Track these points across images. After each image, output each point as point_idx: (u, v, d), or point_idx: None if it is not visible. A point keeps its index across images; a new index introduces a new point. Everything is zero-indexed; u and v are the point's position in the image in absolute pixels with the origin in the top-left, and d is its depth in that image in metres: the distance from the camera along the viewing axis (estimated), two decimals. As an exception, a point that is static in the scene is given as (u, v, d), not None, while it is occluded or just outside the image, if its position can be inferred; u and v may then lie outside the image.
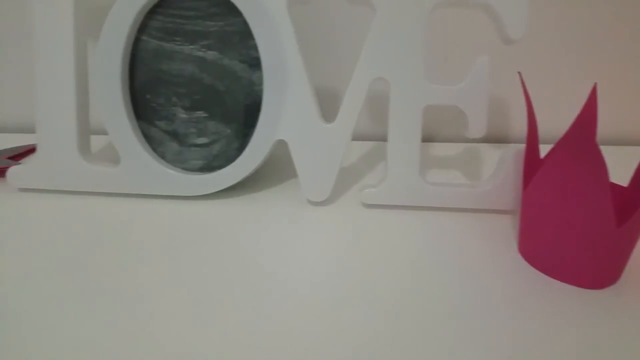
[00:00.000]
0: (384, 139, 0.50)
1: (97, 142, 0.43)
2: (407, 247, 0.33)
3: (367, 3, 0.36)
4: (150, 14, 0.38)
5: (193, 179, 0.40)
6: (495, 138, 0.55)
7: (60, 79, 0.38)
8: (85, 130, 0.40)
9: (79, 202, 0.39)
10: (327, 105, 0.38)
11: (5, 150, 0.48)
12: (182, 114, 0.40)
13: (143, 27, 0.39)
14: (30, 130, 0.56)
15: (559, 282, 0.30)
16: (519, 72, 0.33)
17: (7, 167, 0.42)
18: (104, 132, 0.39)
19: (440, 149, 0.52)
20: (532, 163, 0.32)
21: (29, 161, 0.43)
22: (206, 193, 0.40)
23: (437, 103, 0.36)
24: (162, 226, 0.36)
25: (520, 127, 0.56)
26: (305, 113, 0.38)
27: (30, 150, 0.48)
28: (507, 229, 0.36)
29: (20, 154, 0.47)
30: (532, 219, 0.31)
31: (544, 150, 0.32)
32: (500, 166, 0.37)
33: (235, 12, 0.37)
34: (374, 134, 0.54)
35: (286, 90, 0.37)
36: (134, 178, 0.39)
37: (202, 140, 0.40)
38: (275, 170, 0.45)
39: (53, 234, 0.35)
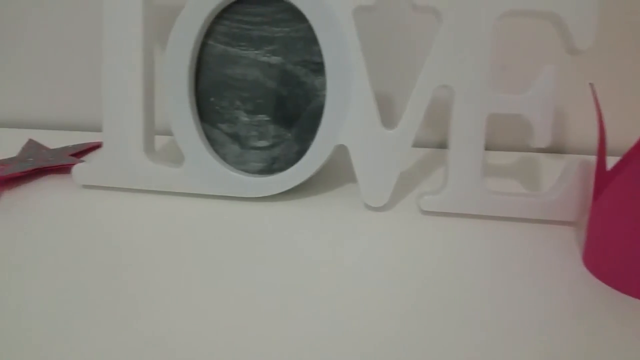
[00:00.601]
0: (437, 145, 0.50)
1: (157, 142, 0.45)
2: (467, 256, 0.33)
3: (433, 10, 0.36)
4: (217, 19, 0.39)
5: (253, 181, 0.40)
6: (548, 148, 0.55)
7: (129, 80, 0.40)
8: (151, 130, 0.41)
9: (142, 201, 0.41)
10: (381, 111, 0.38)
11: (67, 147, 0.50)
12: (244, 117, 0.40)
13: (210, 32, 0.40)
14: (88, 128, 0.58)
15: (628, 296, 0.29)
16: (591, 84, 0.33)
17: (71, 165, 0.44)
18: (164, 133, 0.40)
19: (492, 157, 0.52)
20: (601, 175, 0.32)
21: (93, 159, 0.45)
22: (265, 195, 0.40)
23: (502, 112, 0.36)
24: (221, 226, 0.37)
25: (575, 137, 0.55)
26: (367, 119, 0.38)
27: (91, 148, 0.50)
28: (570, 240, 0.35)
29: (82, 152, 0.49)
30: (601, 232, 0.30)
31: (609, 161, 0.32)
32: (565, 177, 0.37)
33: (301, 18, 0.38)
34: (425, 141, 0.54)
35: (349, 96, 0.38)
36: (197, 178, 0.40)
37: (263, 143, 0.41)
38: (333, 174, 0.45)
39: (116, 231, 0.36)
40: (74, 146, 0.49)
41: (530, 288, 0.30)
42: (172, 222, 0.38)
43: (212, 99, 0.41)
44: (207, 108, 0.41)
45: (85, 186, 0.43)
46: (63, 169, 0.45)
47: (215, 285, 0.30)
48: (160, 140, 0.48)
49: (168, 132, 0.41)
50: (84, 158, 0.48)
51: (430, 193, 0.39)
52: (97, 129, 0.56)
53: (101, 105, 0.40)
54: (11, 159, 0.46)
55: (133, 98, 0.40)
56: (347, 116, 0.38)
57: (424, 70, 0.36)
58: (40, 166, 0.44)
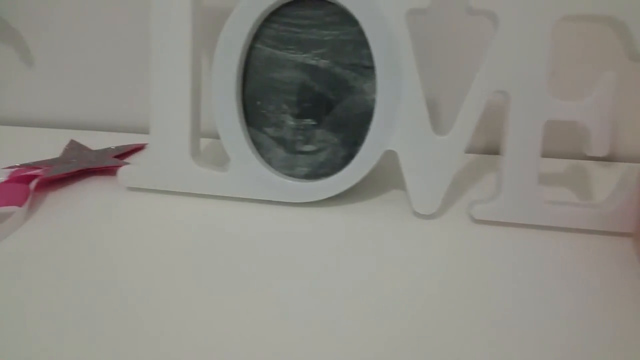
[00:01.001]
0: (482, 151, 0.49)
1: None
2: (521, 267, 0.32)
3: (489, 14, 0.35)
4: (266, 22, 0.39)
5: (299, 186, 0.40)
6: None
7: (177, 82, 0.39)
8: (197, 133, 0.41)
9: (186, 204, 0.40)
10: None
11: (109, 149, 0.50)
12: (291, 121, 0.40)
13: (258, 35, 0.39)
14: (127, 129, 0.58)
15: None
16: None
17: (115, 167, 0.44)
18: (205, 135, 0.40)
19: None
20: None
21: (138, 161, 0.44)
22: (311, 201, 0.40)
23: (560, 118, 0.35)
24: (266, 232, 0.37)
25: (625, 144, 0.53)
26: (417, 124, 0.37)
27: (134, 150, 0.50)
28: (628, 252, 0.34)
29: (125, 153, 0.49)
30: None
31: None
32: (623, 186, 0.36)
33: (351, 21, 0.37)
34: (471, 146, 0.53)
35: (399, 101, 0.37)
36: (242, 183, 0.40)
37: (309, 147, 0.40)
38: (379, 180, 0.44)
39: (160, 234, 0.36)
40: (116, 148, 0.49)
41: (591, 302, 0.29)
42: (216, 226, 0.37)
43: (258, 103, 0.40)
44: (253, 112, 0.40)
45: (130, 188, 0.42)
46: (107, 171, 0.45)
47: (259, 293, 0.29)
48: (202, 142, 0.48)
49: (209, 135, 0.41)
50: (127, 160, 0.48)
51: (482, 201, 0.38)
52: (136, 130, 0.57)
53: (149, 108, 0.40)
54: (54, 160, 0.46)
55: (181, 101, 0.40)
56: (397, 121, 0.37)
57: (479, 75, 0.36)
58: (84, 167, 0.44)
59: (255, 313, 0.27)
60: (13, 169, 0.45)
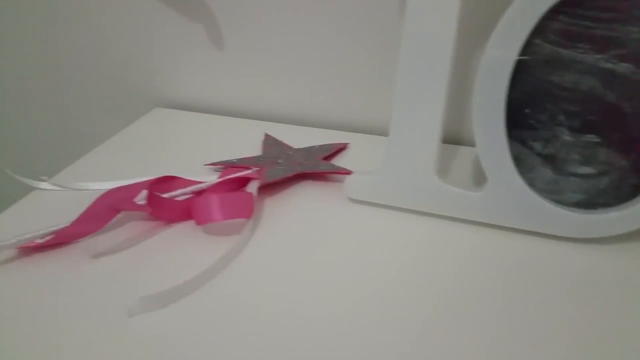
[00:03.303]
0: None
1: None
2: None
3: None
4: (551, 13, 0.31)
5: (570, 217, 0.33)
6: None
7: (432, 81, 0.33)
8: (440, 144, 0.35)
9: (425, 224, 0.35)
10: None
11: (313, 148, 0.43)
12: (567, 136, 0.33)
13: (538, 28, 0.32)
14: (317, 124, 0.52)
15: None
16: None
17: (330, 172, 0.39)
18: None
19: None
20: None
21: (369, 172, 0.37)
22: (591, 237, 0.32)
23: None
24: (521, 268, 0.31)
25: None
26: None
27: (338, 150, 0.44)
28: None
29: (331, 155, 0.43)
30: None
31: None
32: None
33: (674, 16, 0.29)
34: None
35: None
36: (501, 206, 0.34)
37: (586, 169, 0.33)
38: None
39: (388, 254, 0.33)
40: (320, 147, 0.44)
41: None
42: (461, 254, 0.32)
43: (526, 111, 0.33)
44: (518, 121, 0.33)
45: (352, 199, 0.37)
46: (319, 175, 0.40)
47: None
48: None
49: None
50: (332, 161, 0.43)
51: None
52: (323, 125, 0.51)
53: (391, 112, 0.34)
54: (259, 159, 0.42)
55: (434, 103, 0.33)
56: None
57: None
58: (300, 172, 0.39)
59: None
60: (217, 167, 0.41)
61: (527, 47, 0.32)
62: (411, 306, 0.28)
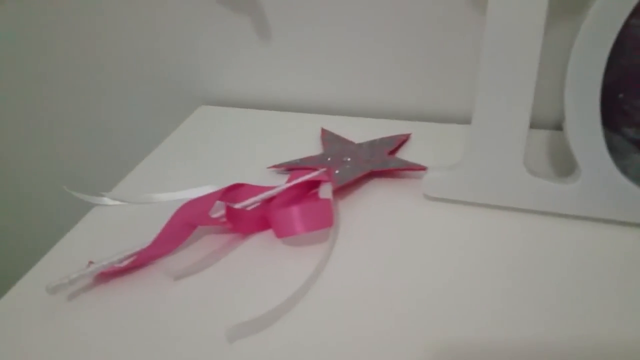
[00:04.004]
0: None
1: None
2: None
3: None
4: (649, -10, 0.29)
5: (670, 205, 0.31)
6: None
7: (521, 67, 0.31)
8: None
9: (515, 220, 0.33)
10: None
11: (375, 141, 0.42)
12: (664, 121, 0.31)
13: (636, 9, 0.30)
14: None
15: None
16: None
17: (401, 169, 0.38)
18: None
19: None
20: None
21: (448, 167, 0.35)
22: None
23: None
24: (617, 263, 0.30)
25: None
26: None
27: (401, 143, 0.42)
28: None
29: (395, 149, 0.42)
30: None
31: None
32: None
33: None
34: None
35: None
36: (596, 198, 0.32)
37: (684, 155, 0.31)
38: None
39: (501, 256, 0.31)
40: (382, 140, 0.42)
41: None
42: (574, 254, 0.31)
43: (620, 96, 0.31)
44: (610, 106, 0.31)
45: (428, 196, 0.36)
46: (388, 172, 0.39)
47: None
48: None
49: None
50: (398, 155, 0.41)
51: None
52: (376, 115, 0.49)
53: (474, 103, 0.32)
54: (323, 158, 0.40)
55: (522, 91, 0.31)
56: None
57: None
58: (371, 169, 0.38)
59: None
60: (281, 170, 0.40)
61: (623, 28, 0.30)
62: (521, 314, 0.27)
